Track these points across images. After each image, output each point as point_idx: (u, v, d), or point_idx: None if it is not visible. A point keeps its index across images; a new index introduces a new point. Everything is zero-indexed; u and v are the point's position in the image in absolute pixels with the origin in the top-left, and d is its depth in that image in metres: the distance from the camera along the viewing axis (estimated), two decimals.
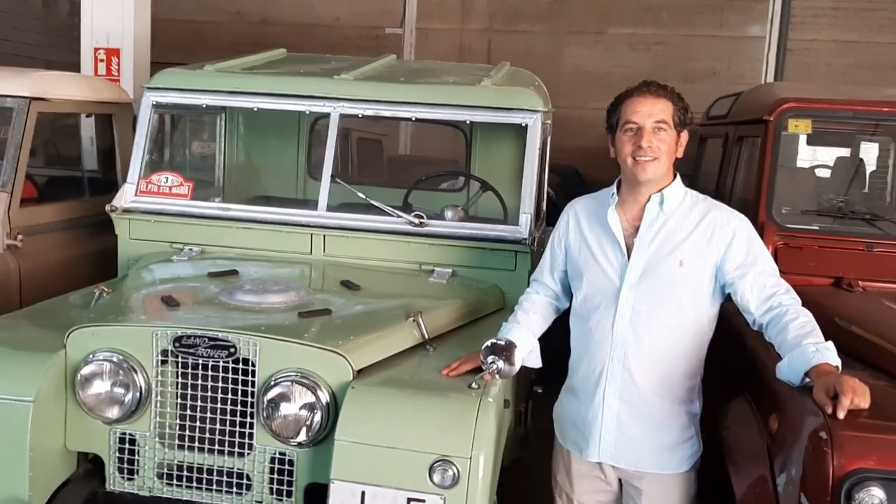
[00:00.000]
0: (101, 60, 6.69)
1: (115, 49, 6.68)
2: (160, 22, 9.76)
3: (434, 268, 3.56)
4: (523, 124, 3.66)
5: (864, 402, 2.21)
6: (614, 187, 2.73)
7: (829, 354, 2.35)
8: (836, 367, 2.34)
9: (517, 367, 2.66)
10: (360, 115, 3.77)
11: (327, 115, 3.78)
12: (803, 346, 2.38)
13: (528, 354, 2.81)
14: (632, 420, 2.61)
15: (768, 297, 2.53)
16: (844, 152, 4.35)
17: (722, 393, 3.11)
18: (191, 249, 3.68)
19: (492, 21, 9.93)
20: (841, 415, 2.18)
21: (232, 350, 2.63)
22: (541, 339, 2.91)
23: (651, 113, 2.56)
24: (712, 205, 2.67)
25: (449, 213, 3.86)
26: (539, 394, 3.77)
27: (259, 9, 10.36)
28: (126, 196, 3.80)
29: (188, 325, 2.68)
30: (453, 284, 3.47)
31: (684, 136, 2.65)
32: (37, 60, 9.98)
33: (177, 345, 2.65)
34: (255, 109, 3.87)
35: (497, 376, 2.62)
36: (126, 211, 3.77)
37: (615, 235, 2.65)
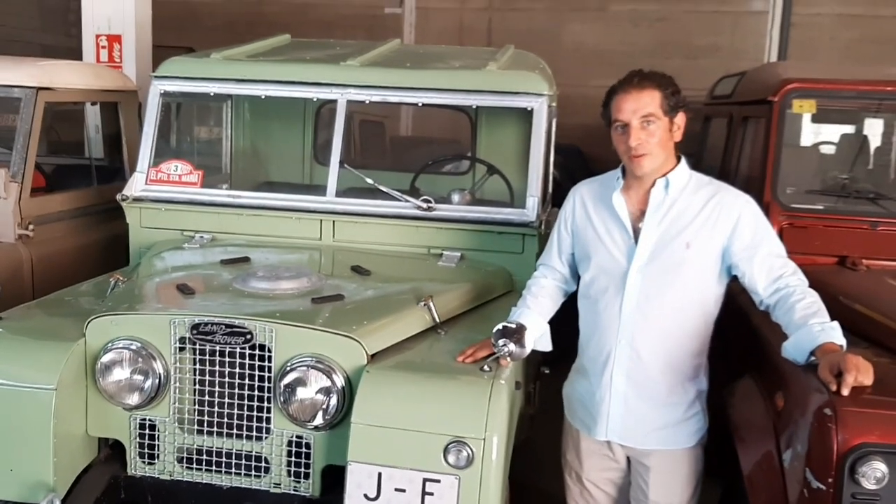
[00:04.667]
0: (103, 47, 6.69)
1: (117, 35, 6.68)
2: (156, 3, 9.76)
3: (443, 251, 3.60)
4: (529, 108, 3.69)
5: (867, 378, 2.27)
6: (619, 171, 2.77)
7: (834, 334, 2.40)
8: (841, 346, 2.39)
9: (528, 350, 2.72)
10: (367, 102, 3.79)
11: (333, 101, 3.81)
12: (809, 325, 2.43)
13: (539, 338, 2.86)
14: (638, 399, 2.67)
15: (776, 278, 2.57)
16: (848, 130, 4.38)
17: (728, 371, 3.17)
18: (202, 237, 3.72)
19: None
20: (845, 392, 2.23)
21: (248, 336, 2.68)
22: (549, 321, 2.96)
23: (636, 109, 2.58)
24: (718, 187, 2.71)
25: (456, 197, 3.89)
26: (546, 374, 3.82)
27: None
28: (136, 185, 3.84)
29: (205, 313, 2.73)
30: (462, 268, 3.52)
31: (680, 118, 2.66)
32: (32, 45, 9.98)
33: (194, 332, 2.70)
34: (263, 97, 3.89)
35: (509, 359, 2.68)
36: (137, 199, 3.81)
37: (621, 219, 2.70)
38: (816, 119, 4.52)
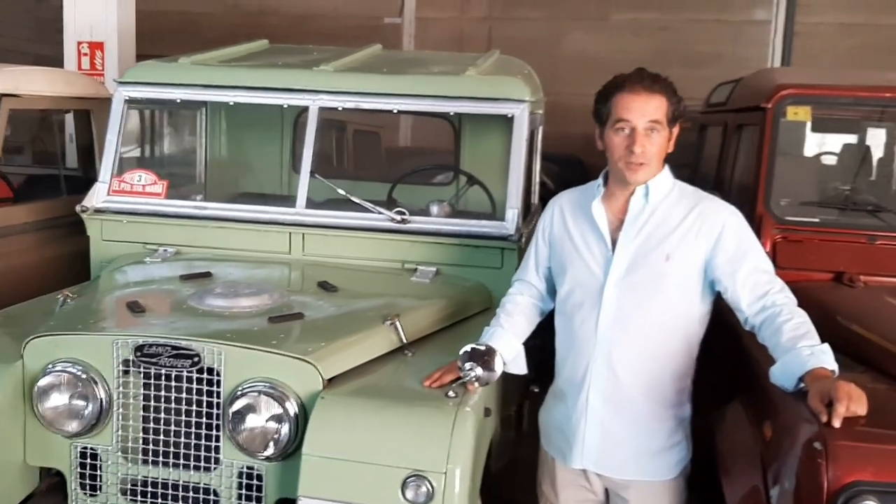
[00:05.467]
0: (85, 54, 6.58)
1: (99, 42, 6.57)
2: (155, 14, 9.66)
3: (417, 266, 3.42)
4: (509, 115, 3.51)
5: (860, 408, 2.07)
6: (601, 179, 2.59)
7: (824, 358, 2.20)
8: (833, 371, 2.19)
9: (497, 374, 2.53)
10: (340, 108, 3.62)
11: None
12: (798, 348, 2.23)
13: (513, 360, 2.67)
14: (616, 424, 2.47)
15: (761, 295, 2.38)
16: (847, 140, 4.17)
17: (716, 395, 2.98)
18: (165, 250, 3.54)
19: (491, 8, 9.79)
20: (836, 423, 2.03)
21: (196, 359, 2.50)
22: (535, 336, 2.77)
23: (644, 112, 2.40)
24: (701, 196, 2.53)
25: (435, 209, 3.72)
26: (536, 393, 3.63)
27: None
28: (98, 195, 3.66)
29: (150, 334, 2.55)
30: (437, 283, 3.33)
31: (676, 130, 2.50)
32: (27, 55, 9.88)
33: (138, 354, 2.53)
34: (232, 104, 3.72)
35: (476, 384, 2.49)
36: (98, 211, 3.63)
37: (600, 228, 2.51)
38: (816, 128, 4.32)
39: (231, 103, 3.73)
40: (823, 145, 4.20)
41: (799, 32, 9.10)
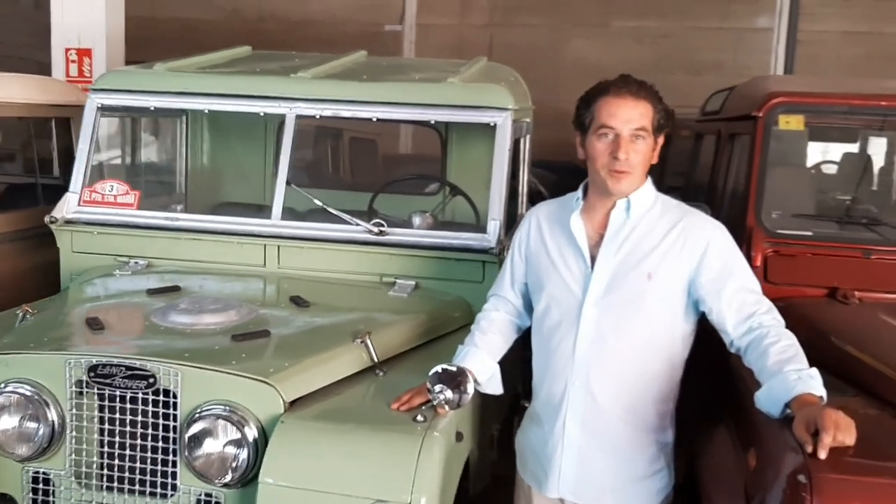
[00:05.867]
0: (73, 61, 6.48)
1: (87, 49, 6.47)
2: (153, 20, 9.60)
3: (396, 280, 3.29)
4: (491, 123, 3.38)
5: (848, 438, 1.93)
6: (580, 191, 2.46)
7: (812, 383, 2.07)
8: (821, 396, 2.06)
9: (469, 397, 2.39)
10: (318, 116, 3.50)
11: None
12: (784, 372, 2.10)
13: (487, 381, 2.55)
14: (594, 450, 2.34)
15: (747, 316, 2.25)
16: (843, 150, 4.03)
17: (703, 416, 2.85)
18: (136, 263, 3.42)
19: (492, 15, 9.71)
20: (822, 454, 1.89)
21: (151, 380, 2.37)
22: (525, 349, 2.65)
23: (630, 119, 2.27)
24: (685, 211, 2.40)
25: (417, 220, 3.60)
26: (527, 408, 3.51)
27: (255, 5, 10.17)
28: (68, 206, 3.55)
29: (104, 353, 2.43)
30: (415, 298, 3.21)
31: (661, 140, 2.38)
32: (28, 62, 9.82)
33: (91, 374, 2.41)
34: (206, 112, 3.60)
35: (446, 407, 2.36)
36: (68, 222, 3.52)
37: (578, 244, 2.39)
38: (815, 137, 4.19)
39: (206, 111, 3.60)
40: (817, 155, 4.07)
41: (802, 41, 9.03)
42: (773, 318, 2.25)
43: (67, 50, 6.54)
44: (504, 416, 3.47)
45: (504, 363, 2.64)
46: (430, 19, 9.94)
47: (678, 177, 5.61)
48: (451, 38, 9.84)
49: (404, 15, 9.99)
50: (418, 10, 9.92)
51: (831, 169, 3.91)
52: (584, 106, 2.37)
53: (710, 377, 2.84)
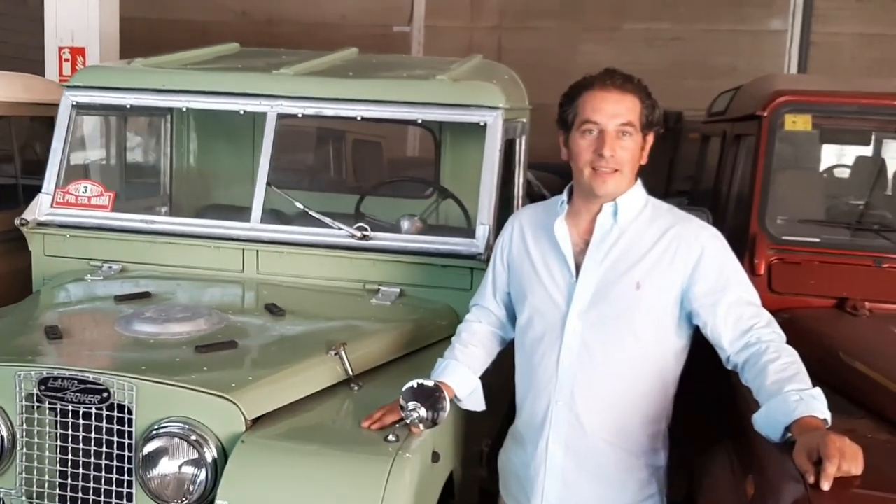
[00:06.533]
0: (66, 60, 6.36)
1: (81, 48, 6.34)
2: (163, 22, 9.53)
3: (380, 287, 3.13)
4: (481, 123, 3.22)
5: (854, 467, 1.75)
6: (565, 194, 2.30)
7: (815, 404, 1.89)
8: (825, 419, 1.88)
9: (445, 414, 2.22)
10: (301, 115, 3.34)
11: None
12: (784, 393, 1.92)
13: (468, 396, 2.38)
14: (579, 475, 2.18)
15: (745, 331, 2.08)
16: (853, 152, 3.83)
17: (702, 435, 2.67)
18: (109, 267, 3.28)
19: (502, 18, 9.60)
20: (825, 486, 1.71)
21: (105, 394, 2.21)
22: None
23: (616, 113, 2.11)
24: (678, 217, 2.22)
25: (405, 224, 3.44)
26: None
27: (265, 8, 10.10)
28: (41, 208, 3.40)
29: (55, 365, 2.27)
30: (398, 306, 3.05)
31: (650, 138, 2.21)
32: (34, 63, 9.75)
33: (43, 388, 2.25)
34: (185, 110, 3.45)
35: (420, 426, 2.19)
36: (41, 224, 3.37)
37: (563, 251, 2.22)
38: (825, 139, 4.00)
39: (185, 109, 3.45)
40: (826, 158, 3.87)
41: (816, 42, 8.89)
42: (772, 333, 2.07)
43: (61, 49, 6.42)
44: (497, 431, 3.30)
45: (498, 372, 2.49)
46: (439, 21, 9.84)
47: (687, 181, 5.45)
48: (460, 41, 9.72)
49: (413, 17, 9.89)
50: (427, 12, 9.83)
51: (841, 172, 3.71)
52: (568, 102, 2.21)
53: (712, 385, 2.65)
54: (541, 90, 4.30)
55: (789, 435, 1.90)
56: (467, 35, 9.75)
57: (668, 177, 6.03)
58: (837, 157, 3.82)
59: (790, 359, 2.00)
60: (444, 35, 9.79)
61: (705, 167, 5.06)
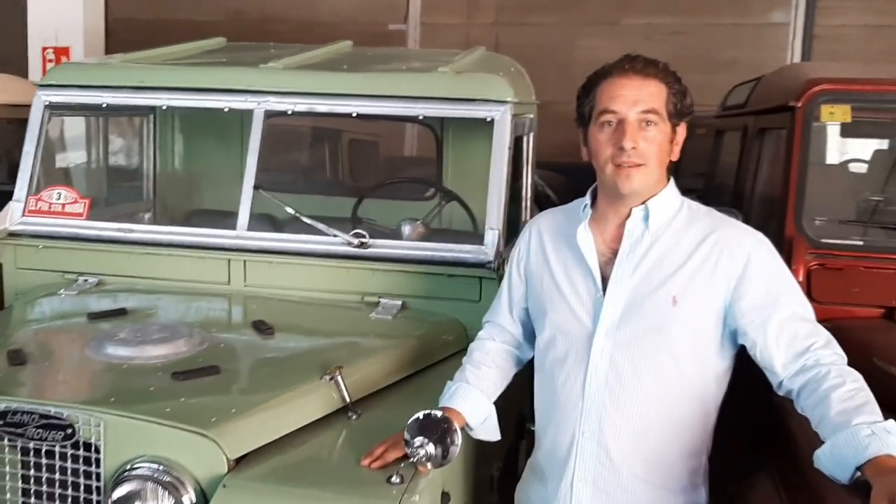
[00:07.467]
0: (50, 60, 6.12)
1: (65, 48, 6.10)
2: (157, 22, 9.30)
3: (380, 299, 2.87)
4: (488, 118, 2.95)
5: None
6: (588, 197, 2.04)
7: (890, 440, 1.62)
8: None
9: (457, 449, 1.94)
10: (290, 112, 3.08)
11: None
12: (853, 427, 1.65)
13: (481, 425, 2.12)
14: None
15: (800, 352, 1.81)
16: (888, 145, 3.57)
17: (744, 461, 2.40)
18: (86, 280, 3.01)
19: (499, 14, 9.39)
20: None
21: (69, 430, 1.95)
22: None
23: (637, 100, 1.86)
24: (719, 221, 1.96)
25: (407, 229, 3.19)
26: (534, 431, 3.07)
27: (258, 7, 9.90)
28: (12, 216, 3.14)
29: (15, 397, 2.01)
30: (401, 321, 2.78)
31: (681, 131, 1.96)
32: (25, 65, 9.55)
33: (1, 423, 1.98)
34: (165, 108, 3.19)
35: (428, 465, 1.91)
36: (11, 234, 3.11)
37: (587, 262, 1.95)
38: (846, 132, 3.73)
39: (165, 108, 3.19)
40: (866, 152, 3.59)
41: (819, 35, 8.68)
42: (833, 354, 1.81)
43: (44, 49, 6.18)
44: (507, 449, 3.03)
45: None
46: (435, 18, 9.65)
47: (696, 179, 5.19)
48: (457, 38, 9.53)
49: (409, 14, 9.70)
50: (423, 10, 9.63)
51: (884, 168, 3.44)
52: (584, 94, 1.98)
53: (753, 412, 2.39)
54: (540, 86, 4.08)
55: (859, 475, 1.63)
56: (464, 32, 9.56)
57: (674, 175, 5.78)
58: (878, 151, 3.54)
59: (856, 385, 1.73)
60: (440, 32, 9.61)
61: (719, 164, 4.81)
